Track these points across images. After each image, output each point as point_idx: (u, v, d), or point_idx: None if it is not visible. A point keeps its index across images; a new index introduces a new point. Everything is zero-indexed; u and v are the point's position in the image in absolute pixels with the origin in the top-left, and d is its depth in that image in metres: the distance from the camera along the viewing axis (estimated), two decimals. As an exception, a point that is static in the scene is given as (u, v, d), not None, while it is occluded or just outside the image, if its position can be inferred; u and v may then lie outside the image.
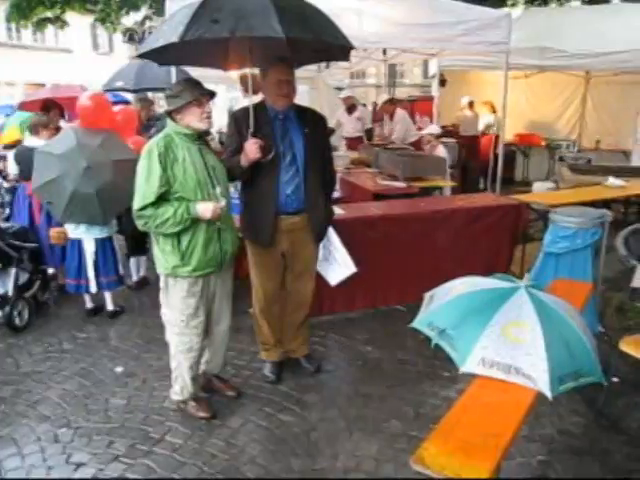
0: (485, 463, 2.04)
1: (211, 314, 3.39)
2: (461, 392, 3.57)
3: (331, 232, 4.06)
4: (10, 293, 4.69)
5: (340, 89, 13.15)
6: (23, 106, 7.40)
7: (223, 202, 3.12)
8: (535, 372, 2.34)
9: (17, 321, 4.68)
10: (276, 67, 3.45)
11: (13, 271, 4.74)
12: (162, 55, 3.34)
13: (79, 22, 22.26)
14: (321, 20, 3.18)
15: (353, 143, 8.95)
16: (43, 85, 29.00)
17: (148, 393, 3.73)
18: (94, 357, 4.26)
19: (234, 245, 3.35)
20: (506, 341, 2.48)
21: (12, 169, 5.37)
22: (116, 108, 5.25)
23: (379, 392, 3.74)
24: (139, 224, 3.09)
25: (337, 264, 4.26)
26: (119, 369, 4.06)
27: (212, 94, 3.20)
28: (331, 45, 3.28)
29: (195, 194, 3.06)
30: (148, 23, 18.60)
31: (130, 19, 18.98)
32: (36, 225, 5.27)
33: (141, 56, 3.33)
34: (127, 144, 4.75)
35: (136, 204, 3.04)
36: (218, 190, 3.13)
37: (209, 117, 3.15)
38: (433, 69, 11.37)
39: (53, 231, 4.77)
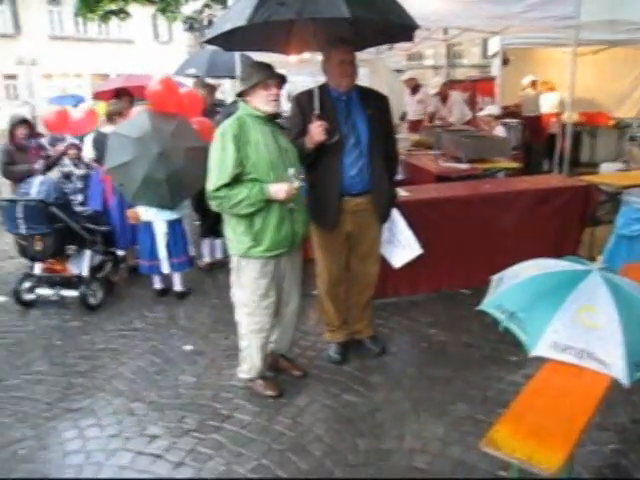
0: (559, 451, 2.01)
1: (281, 294, 3.44)
2: (528, 377, 3.52)
3: (396, 214, 4.05)
4: (85, 274, 4.93)
5: (399, 71, 12.99)
6: (97, 95, 7.63)
7: (296, 183, 3.14)
8: (610, 358, 2.28)
9: (91, 300, 4.90)
10: (338, 48, 3.44)
11: (87, 253, 4.98)
12: (228, 41, 3.39)
13: (140, 13, 22.75)
14: (387, 0, 3.14)
15: (415, 125, 8.86)
16: (108, 76, 30.04)
17: (216, 371, 3.84)
18: (164, 336, 4.41)
19: (305, 226, 3.38)
20: (579, 325, 2.42)
21: (89, 154, 5.56)
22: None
23: (444, 375, 3.71)
24: (213, 205, 3.15)
25: (401, 246, 4.26)
26: (188, 347, 4.19)
27: (281, 78, 3.22)
28: (395, 26, 3.25)
29: (268, 175, 3.10)
30: (207, 11, 18.88)
31: (189, 8, 19.30)
32: (109, 208, 5.48)
33: (208, 42, 3.38)
34: (197, 131, 4.83)
35: (210, 185, 3.10)
36: (291, 171, 3.16)
37: (276, 100, 3.17)
38: (493, 48, 11.02)
39: (130, 212, 4.95)
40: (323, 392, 3.55)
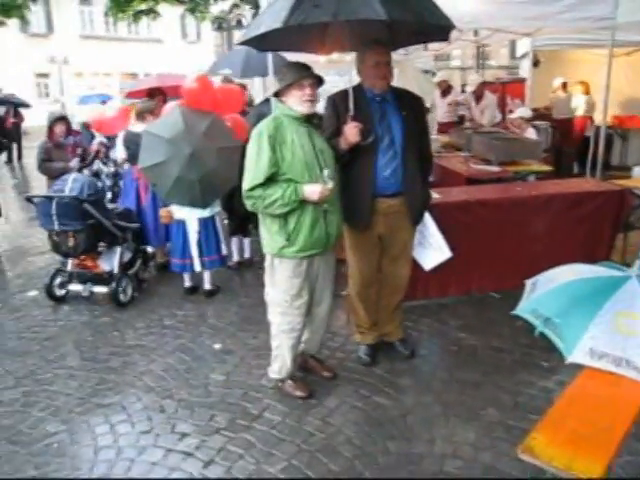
0: (599, 460, 1.98)
1: (313, 294, 3.43)
2: (560, 383, 3.50)
3: (427, 216, 4.01)
4: (115, 270, 4.99)
5: (427, 72, 12.91)
6: (130, 94, 7.71)
7: (330, 184, 3.13)
8: (649, 366, 2.23)
9: (122, 297, 4.95)
10: (373, 49, 3.43)
11: (118, 250, 5.04)
12: (261, 42, 3.38)
13: (169, 13, 22.96)
14: (422, 0, 3.12)
15: (445, 127, 8.79)
16: (136, 75, 30.39)
17: (246, 370, 3.84)
18: (193, 334, 4.44)
19: (339, 228, 3.37)
20: (617, 332, 2.37)
21: (120, 153, 5.61)
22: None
23: (474, 379, 3.67)
24: (248, 204, 3.16)
25: (432, 249, 4.22)
26: (217, 346, 4.20)
27: (317, 78, 3.21)
28: (431, 26, 3.22)
29: (303, 176, 3.10)
30: (236, 11, 19.00)
31: (218, 7, 19.44)
32: (142, 206, 5.53)
33: (242, 43, 3.39)
34: (230, 130, 4.84)
35: (246, 184, 3.11)
36: (326, 172, 3.15)
37: (311, 100, 3.16)
38: (522, 49, 10.88)
39: (162, 211, 4.99)
40: (353, 394, 3.53)
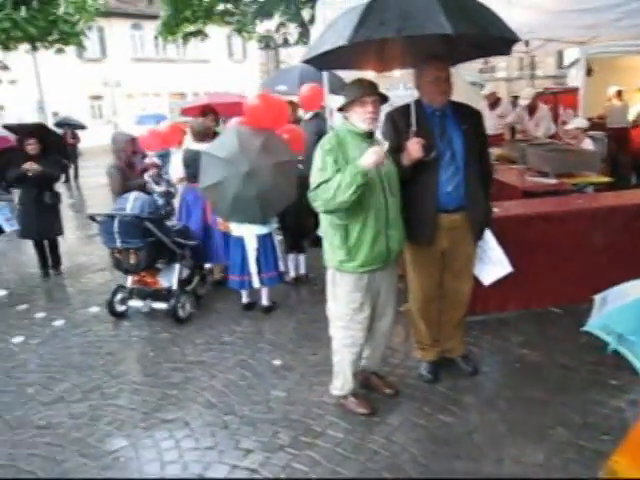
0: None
1: (375, 309, 3.41)
2: (633, 403, 3.38)
3: (486, 230, 3.95)
4: (174, 287, 5.08)
5: (475, 84, 12.77)
6: (184, 112, 7.87)
7: (386, 146, 3.12)
8: None
9: (180, 313, 5.03)
10: (432, 64, 3.42)
11: (177, 266, 5.13)
12: (322, 60, 3.42)
13: (216, 33, 23.50)
14: (485, 13, 3.09)
15: (493, 140, 8.64)
16: (184, 95, 31.12)
17: (307, 387, 3.84)
18: (252, 349, 4.46)
19: (400, 244, 3.36)
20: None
21: (177, 172, 5.72)
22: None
23: (540, 397, 3.57)
24: (315, 205, 3.15)
25: (491, 263, 4.14)
26: (277, 362, 4.21)
27: (381, 96, 3.21)
28: (494, 39, 3.19)
29: (364, 192, 3.08)
30: (282, 30, 19.29)
31: (263, 27, 19.79)
32: (208, 223, 5.62)
33: (306, 62, 3.42)
34: (286, 144, 4.89)
35: (312, 187, 3.14)
36: (378, 136, 3.14)
37: (373, 118, 3.16)
38: (570, 58, 10.66)
39: (231, 224, 5.05)
40: (416, 411, 3.48)
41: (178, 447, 3.30)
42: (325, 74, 5.48)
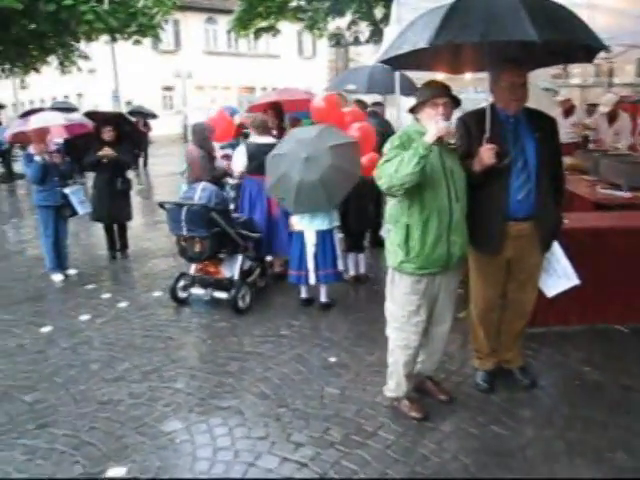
0: None
1: (432, 314, 3.39)
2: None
3: (554, 242, 3.85)
4: (236, 277, 5.19)
5: (548, 90, 12.40)
6: (252, 109, 8.00)
7: (453, 124, 3.11)
8: None
9: (240, 303, 5.12)
10: (509, 70, 3.35)
11: (239, 258, 5.24)
12: (397, 61, 3.41)
13: (287, 30, 23.77)
14: (570, 19, 3.02)
15: (567, 149, 8.39)
16: (253, 89, 31.62)
17: (361, 386, 3.84)
18: (308, 345, 4.51)
19: (462, 249, 3.31)
20: None
21: (239, 165, 5.79)
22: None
23: (600, 418, 3.45)
24: (380, 183, 3.13)
25: (557, 275, 4.02)
26: (333, 359, 4.24)
27: (452, 98, 3.19)
28: (578, 47, 3.10)
29: (429, 194, 3.10)
30: (353, 27, 19.32)
31: (335, 24, 19.87)
32: (272, 215, 5.72)
33: (382, 62, 3.43)
34: (343, 131, 4.96)
35: (377, 168, 3.17)
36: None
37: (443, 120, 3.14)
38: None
39: (292, 218, 5.14)
40: (470, 420, 3.43)
41: (231, 434, 3.36)
42: (397, 75, 5.46)
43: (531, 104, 3.63)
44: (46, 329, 5.01)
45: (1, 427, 3.49)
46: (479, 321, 3.69)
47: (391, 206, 3.29)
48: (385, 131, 6.04)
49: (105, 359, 4.38)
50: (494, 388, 3.73)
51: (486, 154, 3.21)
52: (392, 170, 3.02)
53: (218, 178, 5.97)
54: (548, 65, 3.97)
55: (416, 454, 3.13)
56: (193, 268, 5.42)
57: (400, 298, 3.32)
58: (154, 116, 17.84)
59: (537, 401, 3.65)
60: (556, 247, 3.90)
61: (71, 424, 3.49)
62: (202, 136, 6.07)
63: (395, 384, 3.49)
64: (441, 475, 2.96)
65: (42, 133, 6.18)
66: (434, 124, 3.01)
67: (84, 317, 5.26)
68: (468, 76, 5.33)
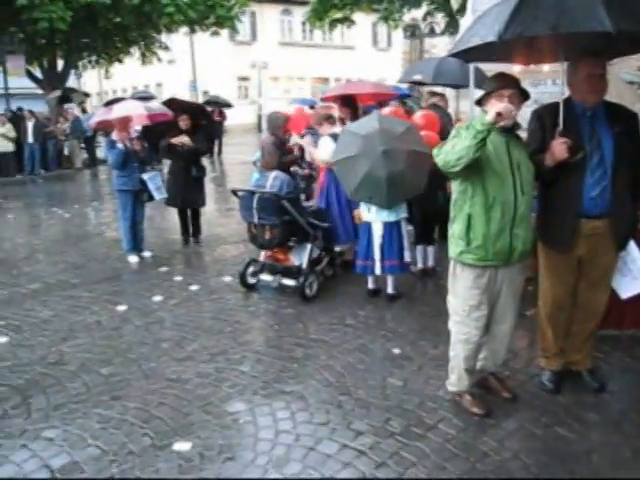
0: None
1: (494, 310, 3.35)
2: None
3: (630, 241, 3.71)
4: (304, 265, 5.28)
5: (633, 83, 11.82)
6: (324, 99, 8.09)
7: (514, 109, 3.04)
8: None
9: (307, 291, 5.21)
10: (587, 61, 3.25)
11: (308, 246, 5.32)
12: (468, 53, 3.37)
13: (362, 21, 23.70)
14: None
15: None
16: (327, 79, 31.74)
17: (423, 379, 3.84)
18: (373, 335, 4.54)
19: (526, 244, 3.24)
20: None
21: (325, 154, 5.81)
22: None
23: (674, 428, 3.31)
24: (437, 160, 3.14)
25: (632, 276, 3.87)
26: (396, 351, 4.25)
27: (520, 90, 3.12)
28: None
29: (495, 185, 3.06)
30: (429, 19, 19.04)
31: (410, 15, 19.64)
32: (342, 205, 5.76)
33: (452, 55, 3.40)
34: (423, 139, 4.94)
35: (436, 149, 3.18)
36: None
37: None
38: None
39: (356, 211, 5.20)
40: (533, 420, 3.37)
41: (293, 419, 3.44)
42: (471, 67, 5.38)
43: (612, 97, 3.50)
44: (122, 307, 5.27)
45: (80, 396, 3.73)
46: (548, 320, 3.61)
47: (455, 196, 3.28)
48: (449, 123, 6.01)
49: (175, 339, 4.56)
50: (560, 389, 3.64)
51: (558, 148, 3.12)
52: (449, 146, 3.04)
53: (287, 165, 6.05)
54: (630, 54, 3.79)
55: (476, 450, 3.11)
56: (263, 255, 5.55)
57: (461, 291, 3.30)
58: (229, 105, 18.27)
59: (605, 405, 3.53)
60: (632, 247, 3.76)
61: (142, 398, 3.67)
62: (274, 125, 6.19)
63: (456, 378, 3.47)
64: (501, 474, 2.93)
65: (125, 121, 6.48)
66: (495, 104, 2.99)
67: (157, 298, 5.49)
68: (546, 68, 5.18)
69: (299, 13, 28.42)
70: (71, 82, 21.02)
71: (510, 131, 3.17)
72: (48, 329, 4.82)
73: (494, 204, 3.09)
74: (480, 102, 3.23)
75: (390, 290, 5.19)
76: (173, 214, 8.07)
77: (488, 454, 3.08)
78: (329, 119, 5.81)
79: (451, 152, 3.01)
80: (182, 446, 3.18)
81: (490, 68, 5.82)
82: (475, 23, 3.32)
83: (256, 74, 29.55)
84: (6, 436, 3.32)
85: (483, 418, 3.36)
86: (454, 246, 3.27)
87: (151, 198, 6.80)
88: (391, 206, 4.92)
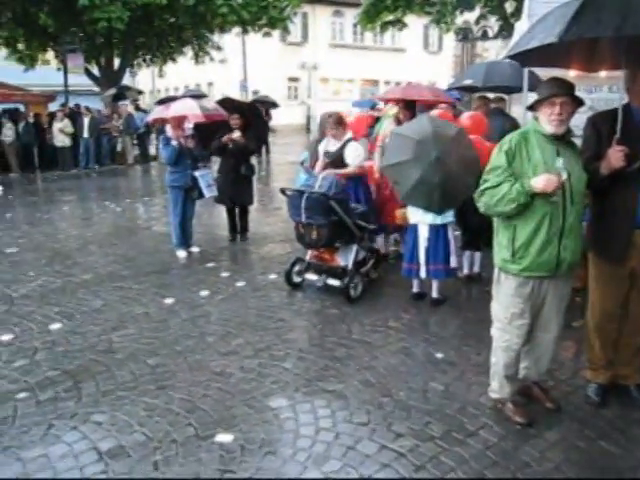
0: None
1: (538, 319, 3.31)
2: None
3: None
4: (350, 266, 5.31)
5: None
6: (385, 100, 8.05)
7: (564, 175, 2.97)
8: None
9: (352, 292, 5.23)
10: None
11: (354, 247, 5.35)
12: (526, 56, 3.33)
13: (414, 23, 23.59)
14: None
15: None
16: (377, 82, 31.68)
17: (465, 385, 3.82)
18: (416, 339, 4.54)
19: (575, 255, 3.18)
20: None
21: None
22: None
23: None
24: (479, 206, 3.19)
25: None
26: (439, 355, 4.23)
27: (573, 98, 3.05)
28: None
29: (543, 195, 3.00)
30: (482, 22, 18.79)
31: (462, 19, 19.43)
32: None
33: (510, 57, 3.37)
34: (473, 143, 4.91)
35: (480, 185, 3.17)
36: (560, 162, 3.00)
37: (559, 120, 3.01)
38: None
39: (398, 212, 5.21)
40: (577, 432, 3.31)
41: (333, 417, 3.46)
42: (525, 71, 5.30)
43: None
44: (169, 300, 5.41)
45: (127, 384, 3.85)
46: (595, 331, 3.53)
47: None
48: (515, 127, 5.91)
49: (220, 333, 4.66)
50: (606, 403, 3.56)
51: (614, 156, 3.06)
52: (491, 203, 3.08)
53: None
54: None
55: (517, 459, 3.07)
56: (309, 254, 5.60)
57: (504, 299, 3.27)
58: (275, 105, 18.43)
59: (654, 422, 3.45)
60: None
61: (187, 389, 3.77)
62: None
63: (498, 385, 3.44)
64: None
65: (179, 119, 6.65)
66: (544, 180, 2.94)
67: (204, 293, 5.61)
68: (602, 74, 5.06)
69: (350, 15, 28.51)
70: (126, 80, 21.61)
71: (562, 138, 3.10)
72: (99, 318, 5.00)
73: (541, 214, 3.05)
74: (532, 107, 3.19)
75: (435, 294, 5.17)
76: (221, 211, 8.22)
77: (529, 464, 3.04)
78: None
79: (491, 209, 3.12)
80: (224, 438, 3.25)
81: (544, 73, 5.74)
82: (535, 25, 3.27)
83: (306, 75, 29.77)
84: (58, 417, 3.47)
85: (525, 427, 3.32)
86: (498, 254, 3.25)
87: (201, 195, 6.94)
88: (443, 211, 4.91)
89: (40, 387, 3.81)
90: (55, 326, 4.82)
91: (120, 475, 2.96)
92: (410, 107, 6.21)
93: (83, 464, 3.04)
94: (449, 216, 5.03)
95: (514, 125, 6.29)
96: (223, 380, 3.89)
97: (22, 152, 15.58)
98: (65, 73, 19.01)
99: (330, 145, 5.89)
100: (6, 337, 4.61)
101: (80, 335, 4.64)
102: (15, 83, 18.18)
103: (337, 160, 5.76)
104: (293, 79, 31.41)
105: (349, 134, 5.87)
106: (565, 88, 3.04)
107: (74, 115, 16.37)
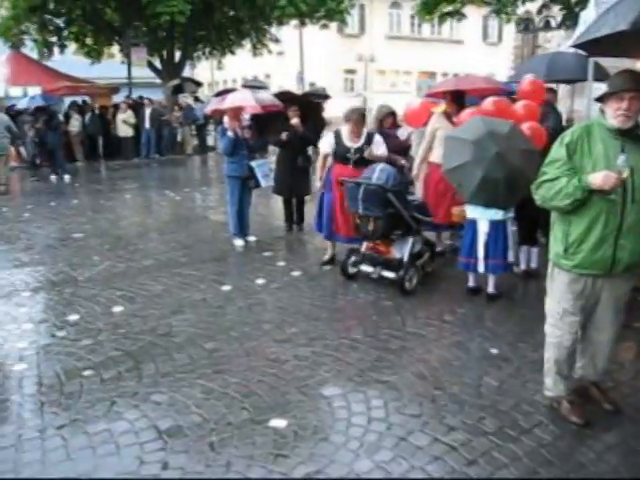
0: None
1: (591, 318, 3.24)
2: None
3: None
4: (405, 259, 5.29)
5: None
6: (429, 95, 7.98)
7: (625, 173, 2.86)
8: None
9: (407, 285, 5.23)
10: None
11: (410, 240, 5.34)
12: (593, 46, 3.25)
13: (473, 14, 23.13)
14: None
15: None
16: (434, 74, 31.27)
17: (520, 381, 3.77)
18: (470, 333, 4.51)
19: (634, 255, 3.06)
20: None
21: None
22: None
23: None
24: (536, 199, 3.15)
25: None
26: (494, 351, 4.19)
27: None
28: None
29: (600, 192, 2.92)
30: (545, 12, 18.26)
31: (524, 8, 18.92)
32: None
33: (576, 46, 3.29)
34: (528, 136, 4.83)
35: (538, 177, 3.12)
36: (622, 158, 2.90)
37: (626, 116, 2.91)
38: None
39: (455, 209, 5.18)
40: (636, 436, 3.21)
41: (385, 408, 3.48)
42: (591, 61, 5.15)
43: None
44: (226, 287, 5.53)
45: (185, 367, 3.98)
46: (659, 333, 3.44)
47: None
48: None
49: (276, 321, 4.74)
50: (668, 407, 3.46)
51: None
52: (547, 196, 3.04)
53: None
54: None
55: (572, 460, 3.02)
56: (365, 246, 5.61)
57: (556, 294, 3.23)
58: (327, 97, 18.42)
59: None
60: None
61: (242, 374, 3.86)
62: (376, 116, 6.33)
63: (552, 382, 3.39)
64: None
65: (236, 110, 6.77)
66: (603, 177, 2.85)
67: (260, 281, 5.71)
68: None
69: (408, 6, 28.13)
70: (186, 72, 22.05)
71: (629, 133, 2.99)
72: (158, 302, 5.16)
73: (598, 211, 2.97)
74: (601, 99, 3.09)
75: (491, 289, 5.10)
76: (277, 201, 8.32)
77: (585, 465, 2.98)
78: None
79: (547, 202, 3.08)
80: (278, 423, 3.31)
81: (611, 64, 5.57)
82: (606, 13, 3.17)
83: (362, 67, 29.62)
84: (120, 395, 3.63)
85: (582, 428, 3.25)
86: (553, 248, 3.21)
87: (258, 185, 7.05)
88: (508, 206, 4.86)
89: (104, 366, 3.99)
90: (117, 309, 5.02)
91: (178, 453, 3.07)
92: (458, 100, 6.11)
93: (143, 440, 3.18)
94: (510, 212, 4.97)
95: (558, 118, 6.15)
96: (278, 367, 3.97)
97: (87, 142, 16.17)
98: (129, 66, 19.57)
99: (350, 142, 5.76)
100: (73, 317, 4.84)
101: (141, 318, 4.81)
102: (82, 76, 18.87)
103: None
104: (350, 71, 31.32)
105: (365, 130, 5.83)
106: (636, 83, 2.93)
107: (137, 106, 16.84)
